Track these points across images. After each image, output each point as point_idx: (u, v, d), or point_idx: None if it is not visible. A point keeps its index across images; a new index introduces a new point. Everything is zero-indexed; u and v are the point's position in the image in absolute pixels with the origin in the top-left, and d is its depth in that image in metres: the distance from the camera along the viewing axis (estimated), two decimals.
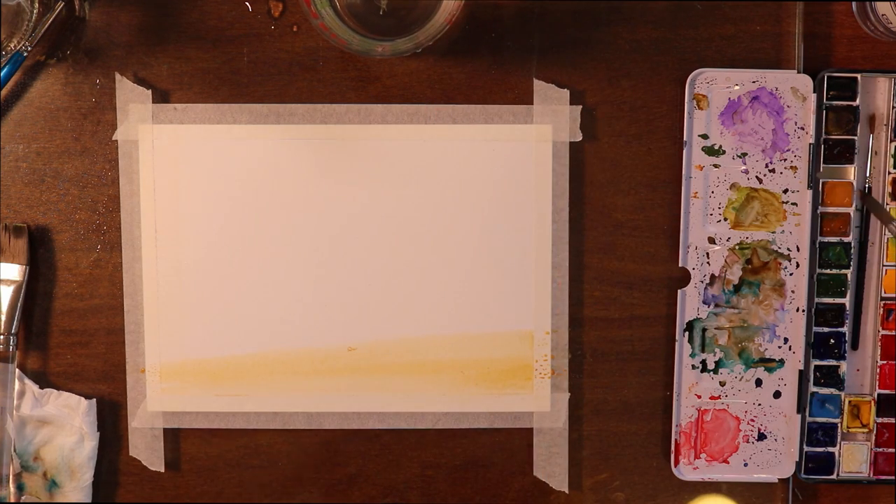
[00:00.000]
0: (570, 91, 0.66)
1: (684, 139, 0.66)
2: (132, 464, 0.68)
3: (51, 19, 0.64)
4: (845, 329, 0.67)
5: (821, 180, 0.66)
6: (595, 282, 0.68)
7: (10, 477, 0.67)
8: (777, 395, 0.68)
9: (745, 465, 0.68)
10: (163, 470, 0.68)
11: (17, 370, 0.67)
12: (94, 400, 0.68)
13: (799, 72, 0.66)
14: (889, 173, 0.67)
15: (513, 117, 0.66)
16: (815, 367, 0.67)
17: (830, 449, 0.68)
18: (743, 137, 0.66)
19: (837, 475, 0.68)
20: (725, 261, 0.67)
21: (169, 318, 0.67)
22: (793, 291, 0.67)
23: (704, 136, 0.66)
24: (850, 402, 0.68)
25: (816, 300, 0.67)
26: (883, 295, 0.67)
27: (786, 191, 0.67)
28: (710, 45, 0.66)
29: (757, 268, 0.67)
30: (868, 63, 0.67)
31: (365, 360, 0.67)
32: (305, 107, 0.66)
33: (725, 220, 0.67)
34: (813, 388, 0.68)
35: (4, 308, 0.66)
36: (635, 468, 0.69)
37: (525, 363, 0.68)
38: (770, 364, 0.68)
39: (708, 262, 0.67)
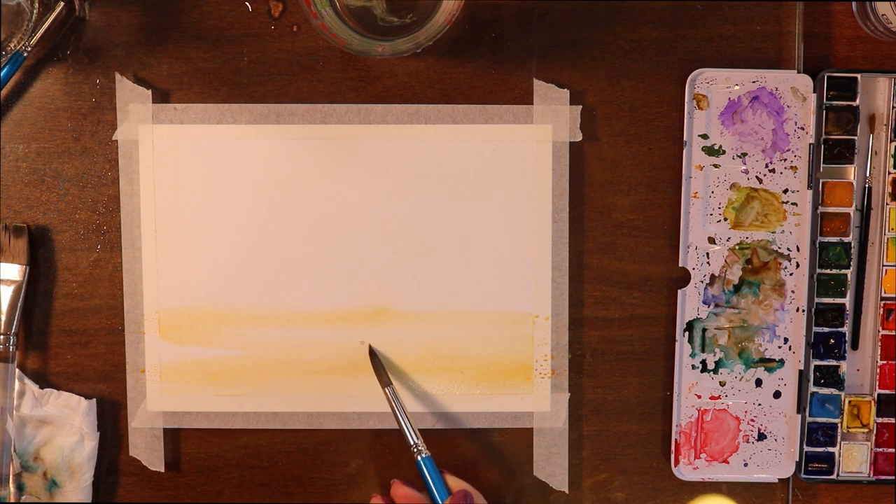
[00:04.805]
0: (570, 91, 0.66)
1: (684, 139, 0.66)
2: (132, 464, 0.69)
3: (51, 19, 0.64)
4: (845, 329, 0.67)
5: (821, 180, 0.66)
6: (595, 282, 0.68)
7: (10, 477, 0.67)
8: (777, 395, 0.68)
9: (745, 465, 0.68)
10: (163, 470, 0.69)
11: (17, 370, 0.67)
12: (94, 400, 0.68)
13: (799, 72, 0.66)
14: (889, 173, 0.67)
15: (513, 117, 0.66)
16: (815, 367, 0.67)
17: (830, 449, 0.68)
18: (743, 137, 0.66)
19: (837, 475, 0.68)
20: (725, 261, 0.67)
21: (169, 318, 0.67)
22: (793, 291, 0.67)
23: (704, 136, 0.66)
24: (850, 402, 0.68)
25: (816, 300, 0.67)
26: (883, 295, 0.67)
27: (786, 191, 0.67)
28: (710, 45, 0.66)
29: (757, 268, 0.67)
30: (868, 63, 0.67)
31: (365, 360, 0.67)
32: (305, 107, 0.66)
33: (725, 220, 0.67)
34: (813, 388, 0.68)
35: (4, 308, 0.66)
36: (635, 468, 0.69)
37: (525, 363, 0.68)
38: (770, 364, 0.68)
39: (708, 262, 0.67)
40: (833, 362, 0.67)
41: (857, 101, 0.65)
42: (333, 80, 0.67)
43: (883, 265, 0.67)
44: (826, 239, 0.67)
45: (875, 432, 0.68)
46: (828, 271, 0.67)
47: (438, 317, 0.67)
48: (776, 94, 0.66)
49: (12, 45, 0.64)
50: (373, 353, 0.67)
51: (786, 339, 0.68)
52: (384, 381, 0.65)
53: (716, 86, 0.66)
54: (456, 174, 0.66)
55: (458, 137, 0.66)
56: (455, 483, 0.64)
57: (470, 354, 0.68)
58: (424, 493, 0.63)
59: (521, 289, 0.67)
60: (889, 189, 0.67)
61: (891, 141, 0.66)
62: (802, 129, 0.66)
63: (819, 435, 0.68)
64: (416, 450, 0.63)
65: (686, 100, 0.66)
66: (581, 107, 0.66)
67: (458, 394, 0.68)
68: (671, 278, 0.68)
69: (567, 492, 0.69)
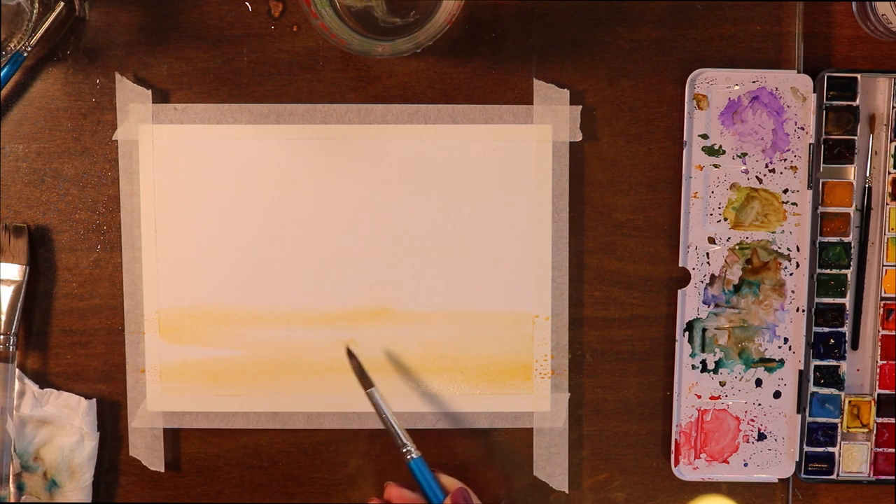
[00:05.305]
0: (570, 91, 0.66)
1: (684, 139, 0.66)
2: (132, 464, 0.69)
3: (51, 19, 0.64)
4: (845, 329, 0.67)
5: (821, 180, 0.66)
6: (595, 282, 0.68)
7: (10, 477, 0.67)
8: (777, 395, 0.68)
9: (745, 465, 0.68)
10: (163, 470, 0.69)
11: (17, 370, 0.67)
12: (94, 400, 0.68)
13: (799, 72, 0.66)
14: (889, 173, 0.67)
15: (513, 117, 0.66)
16: (815, 367, 0.67)
17: (830, 449, 0.68)
18: (743, 137, 0.66)
19: (837, 475, 0.68)
20: (725, 261, 0.67)
21: (169, 318, 0.67)
22: (793, 291, 0.67)
23: (704, 136, 0.66)
24: (850, 402, 0.68)
25: (816, 300, 0.67)
26: (883, 295, 0.67)
27: (786, 191, 0.67)
28: (710, 45, 0.66)
29: (757, 268, 0.67)
30: (868, 63, 0.67)
31: (364, 360, 0.67)
32: (305, 107, 0.66)
33: (725, 220, 0.67)
34: (813, 388, 0.68)
35: (4, 308, 0.66)
36: (635, 468, 0.69)
37: (525, 363, 0.68)
38: (770, 364, 0.68)
39: (708, 262, 0.67)
40: (833, 362, 0.67)
41: (857, 101, 0.65)
42: (333, 80, 0.67)
43: (883, 265, 0.67)
44: (826, 239, 0.67)
45: (875, 432, 0.68)
46: (828, 271, 0.67)
47: (438, 317, 0.67)
48: (776, 94, 0.66)
49: (12, 45, 0.64)
50: (351, 355, 0.66)
51: (786, 339, 0.68)
52: (366, 384, 0.64)
53: (716, 86, 0.66)
54: (456, 174, 0.66)
55: (458, 137, 0.66)
56: (450, 482, 0.63)
57: (470, 354, 0.68)
58: (419, 493, 0.63)
59: (521, 289, 0.67)
60: (889, 189, 0.67)
61: (891, 141, 0.66)
62: (802, 129, 0.66)
63: (819, 435, 0.68)
64: (405, 450, 0.63)
65: (686, 100, 0.66)
66: (581, 107, 0.66)
67: (458, 394, 0.68)
68: (671, 278, 0.68)
69: (567, 492, 0.69)
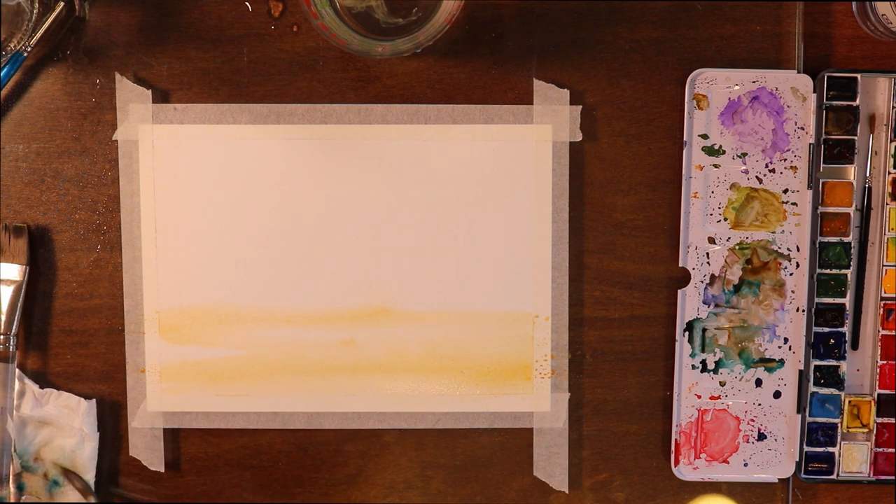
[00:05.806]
0: (570, 91, 0.66)
1: (684, 139, 0.66)
2: (132, 464, 0.69)
3: (51, 19, 0.64)
4: (845, 329, 0.67)
5: (821, 180, 0.66)
6: (595, 282, 0.68)
7: (11, 477, 0.67)
8: (777, 395, 0.68)
9: (745, 465, 0.68)
10: (163, 470, 0.69)
11: (17, 370, 0.67)
12: (94, 400, 0.68)
13: (799, 72, 0.66)
14: (889, 173, 0.67)
15: (513, 117, 0.66)
16: (815, 367, 0.67)
17: (830, 449, 0.68)
18: (743, 137, 0.66)
19: (837, 475, 0.68)
20: (725, 261, 0.67)
21: (169, 318, 0.67)
22: (793, 291, 0.67)
23: (704, 136, 0.66)
24: (850, 402, 0.68)
25: (816, 300, 0.67)
26: (883, 295, 0.67)
27: (786, 191, 0.67)
28: (710, 45, 0.66)
29: (757, 268, 0.67)
30: (868, 63, 0.67)
31: (364, 360, 0.67)
32: (305, 107, 0.66)
33: (725, 220, 0.67)
34: (813, 388, 0.68)
35: (4, 308, 0.66)
36: (635, 468, 0.69)
37: (525, 363, 0.68)
38: (770, 364, 0.68)
39: (708, 262, 0.67)
40: (833, 362, 0.67)
41: (857, 101, 0.65)
42: (333, 80, 0.67)
43: (883, 265, 0.67)
44: (826, 239, 0.67)
45: (875, 432, 0.68)
46: (828, 271, 0.67)
47: (438, 317, 0.67)
48: (776, 94, 0.66)
49: (12, 45, 0.64)
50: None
51: (786, 339, 0.68)
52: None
53: (716, 86, 0.66)
54: (456, 174, 0.66)
55: (458, 137, 0.66)
56: None
57: (470, 354, 0.68)
58: None
59: (521, 289, 0.67)
60: (889, 189, 0.67)
61: (891, 141, 0.66)
62: (802, 129, 0.66)
63: (819, 435, 0.68)
64: None
65: (686, 100, 0.66)
66: (581, 107, 0.66)
67: (458, 394, 0.68)
68: (671, 278, 0.68)
69: (567, 492, 0.69)
